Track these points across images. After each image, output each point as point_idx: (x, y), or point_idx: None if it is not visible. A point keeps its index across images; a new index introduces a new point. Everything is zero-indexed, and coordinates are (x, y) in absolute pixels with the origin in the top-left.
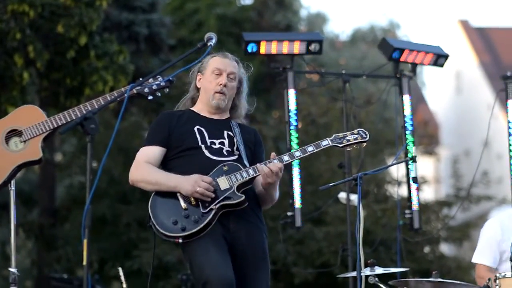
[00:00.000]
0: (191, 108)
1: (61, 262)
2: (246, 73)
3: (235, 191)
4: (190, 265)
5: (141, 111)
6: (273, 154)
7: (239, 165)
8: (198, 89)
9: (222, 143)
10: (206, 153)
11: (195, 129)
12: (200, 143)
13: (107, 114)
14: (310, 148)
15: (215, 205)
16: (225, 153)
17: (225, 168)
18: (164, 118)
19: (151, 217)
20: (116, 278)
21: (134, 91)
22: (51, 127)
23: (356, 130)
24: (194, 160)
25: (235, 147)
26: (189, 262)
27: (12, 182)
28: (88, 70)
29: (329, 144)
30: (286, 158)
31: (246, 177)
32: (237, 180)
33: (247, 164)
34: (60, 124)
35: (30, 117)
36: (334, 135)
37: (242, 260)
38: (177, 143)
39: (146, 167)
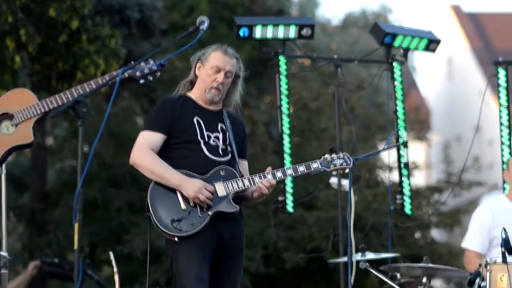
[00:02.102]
0: (188, 94)
1: (52, 246)
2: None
3: (231, 200)
4: (171, 264)
5: (132, 95)
6: (268, 168)
7: (235, 171)
8: (196, 75)
9: (217, 137)
10: (204, 150)
11: (194, 120)
12: (199, 137)
13: (99, 98)
14: (301, 168)
15: (212, 211)
16: (220, 152)
17: (222, 173)
18: (167, 106)
19: (151, 210)
20: (107, 262)
21: (126, 74)
22: (43, 111)
23: (342, 155)
24: (192, 156)
25: (227, 143)
26: (171, 259)
27: (3, 166)
28: (80, 54)
29: (318, 167)
30: (279, 174)
31: (241, 188)
32: (233, 190)
33: (239, 163)
34: (51, 107)
35: (22, 100)
36: (322, 157)
37: (222, 254)
38: (178, 133)
39: (151, 156)
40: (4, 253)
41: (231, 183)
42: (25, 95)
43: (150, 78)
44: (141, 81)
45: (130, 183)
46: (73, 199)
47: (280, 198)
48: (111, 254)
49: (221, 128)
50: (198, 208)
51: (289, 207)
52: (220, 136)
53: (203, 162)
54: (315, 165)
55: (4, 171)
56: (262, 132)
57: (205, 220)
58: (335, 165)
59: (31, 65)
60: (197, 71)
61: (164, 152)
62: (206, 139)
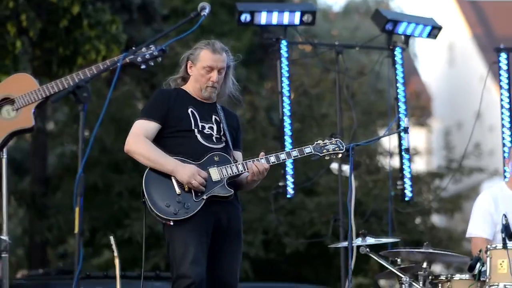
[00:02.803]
0: (183, 87)
1: (53, 231)
2: (234, 59)
3: (225, 184)
4: (168, 248)
5: (133, 80)
6: (262, 153)
7: (228, 156)
8: (188, 73)
9: (211, 127)
10: (199, 137)
11: (189, 111)
12: (193, 127)
13: (100, 83)
14: (294, 153)
15: (206, 195)
16: (214, 139)
17: (216, 159)
18: (163, 96)
19: (146, 195)
20: (108, 246)
21: (127, 60)
22: (44, 96)
23: (334, 140)
24: (187, 143)
25: (222, 133)
26: (168, 244)
27: (4, 150)
28: (80, 40)
29: (311, 151)
30: (272, 159)
31: (235, 173)
32: (227, 174)
33: (232, 151)
34: (52, 92)
35: (23, 85)
36: (315, 142)
37: (220, 238)
38: (173, 123)
39: (145, 143)
40: (5, 237)
41: (225, 168)
42: (26, 80)
43: (151, 63)
44: (143, 66)
45: (131, 168)
46: (73, 183)
47: (280, 183)
48: (111, 238)
49: (215, 119)
50: (193, 192)
51: (290, 190)
52: (214, 126)
53: (197, 149)
54: (307, 149)
55: (5, 155)
56: (262, 117)
57: (200, 204)
58: (327, 150)
59: (32, 50)
60: (189, 70)
61: (159, 141)
62: (200, 128)
